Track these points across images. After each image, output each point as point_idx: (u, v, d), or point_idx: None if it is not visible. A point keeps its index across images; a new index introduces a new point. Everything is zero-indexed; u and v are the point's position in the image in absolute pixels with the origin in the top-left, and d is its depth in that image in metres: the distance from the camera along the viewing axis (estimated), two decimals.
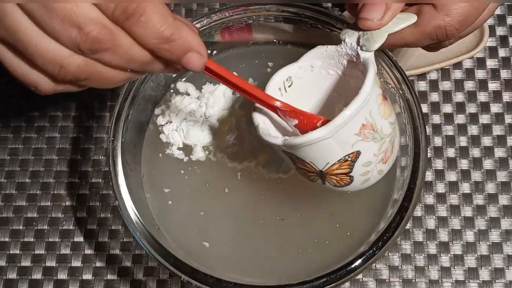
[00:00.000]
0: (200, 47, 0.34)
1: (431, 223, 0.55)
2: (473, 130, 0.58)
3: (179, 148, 0.52)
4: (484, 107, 0.59)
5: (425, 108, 0.59)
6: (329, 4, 0.62)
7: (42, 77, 0.32)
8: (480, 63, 0.60)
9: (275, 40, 0.55)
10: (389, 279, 0.53)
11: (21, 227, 0.56)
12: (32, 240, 0.56)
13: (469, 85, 0.60)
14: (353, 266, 0.42)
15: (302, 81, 0.45)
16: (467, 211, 0.55)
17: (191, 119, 0.52)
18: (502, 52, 0.61)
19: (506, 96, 0.59)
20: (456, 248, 0.54)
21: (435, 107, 0.59)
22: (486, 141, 0.58)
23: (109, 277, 0.54)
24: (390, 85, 0.48)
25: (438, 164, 0.57)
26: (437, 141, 0.58)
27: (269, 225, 0.49)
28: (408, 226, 0.55)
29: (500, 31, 0.62)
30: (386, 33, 0.40)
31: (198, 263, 0.45)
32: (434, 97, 0.59)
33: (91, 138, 0.59)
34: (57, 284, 0.54)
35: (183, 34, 0.33)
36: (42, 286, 0.54)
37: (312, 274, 0.43)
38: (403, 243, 0.54)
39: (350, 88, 0.44)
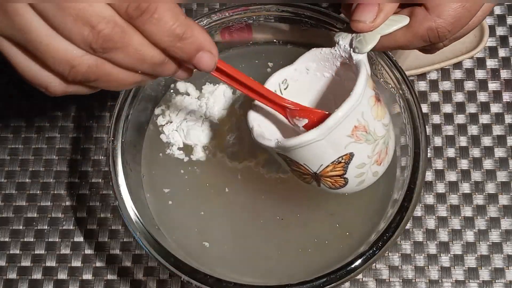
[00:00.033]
0: (212, 46, 0.34)
1: (431, 223, 0.55)
2: (473, 130, 0.58)
3: (179, 148, 0.52)
4: (484, 107, 0.59)
5: (425, 108, 0.59)
6: (324, 5, 0.62)
7: (53, 78, 0.32)
8: (480, 63, 0.60)
9: (275, 40, 0.55)
10: (389, 279, 0.53)
11: (21, 227, 0.56)
12: (32, 240, 0.56)
13: (469, 85, 0.60)
14: (353, 266, 0.42)
15: (297, 83, 0.46)
16: (467, 211, 0.55)
17: (191, 119, 0.52)
18: (502, 52, 0.61)
19: (506, 96, 0.59)
20: (456, 248, 0.54)
21: (435, 107, 0.59)
22: (486, 141, 0.58)
23: (109, 277, 0.54)
24: (390, 85, 0.48)
25: (438, 164, 0.57)
26: (437, 141, 0.58)
27: (269, 225, 0.49)
28: (408, 226, 0.55)
29: (500, 31, 0.62)
30: (378, 35, 0.40)
31: (198, 263, 0.45)
32: (434, 97, 0.59)
33: (91, 138, 0.59)
34: (57, 284, 0.54)
35: (194, 32, 0.33)
36: (42, 286, 0.54)
37: (312, 274, 0.43)
38: (403, 243, 0.54)
39: (345, 90, 0.44)
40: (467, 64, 0.60)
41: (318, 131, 0.38)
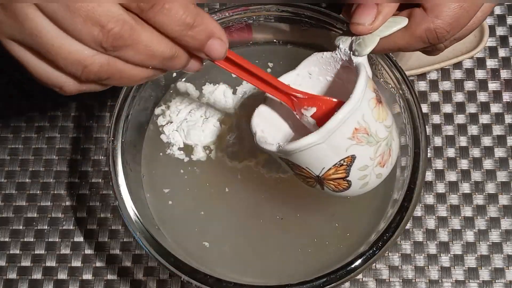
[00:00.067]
0: (221, 33, 0.35)
1: (431, 223, 0.55)
2: (473, 130, 0.58)
3: (179, 148, 0.52)
4: (484, 107, 0.59)
5: (425, 108, 0.59)
6: (324, 5, 0.62)
7: (66, 78, 0.33)
8: (480, 63, 0.60)
9: (275, 40, 0.55)
10: (389, 279, 0.53)
11: (21, 227, 0.56)
12: (32, 240, 0.56)
13: (469, 85, 0.60)
14: (353, 266, 0.42)
15: (301, 88, 0.46)
16: (467, 211, 0.55)
17: (191, 119, 0.52)
18: (502, 52, 0.61)
19: (506, 96, 0.59)
20: (456, 248, 0.54)
21: (435, 107, 0.59)
22: (486, 141, 0.58)
23: (109, 277, 0.54)
24: (390, 85, 0.48)
25: (438, 164, 0.57)
26: (437, 141, 0.58)
27: (269, 225, 0.49)
28: (408, 226, 0.55)
29: (500, 31, 0.62)
30: (377, 37, 0.40)
31: (198, 263, 0.45)
32: (434, 97, 0.59)
33: (91, 138, 0.59)
34: (57, 284, 0.54)
35: (204, 20, 0.33)
36: (42, 286, 0.54)
37: (312, 274, 0.43)
38: (403, 243, 0.54)
39: (348, 93, 0.44)
40: (467, 64, 0.60)
41: (318, 134, 0.38)
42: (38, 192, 0.58)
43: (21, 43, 0.31)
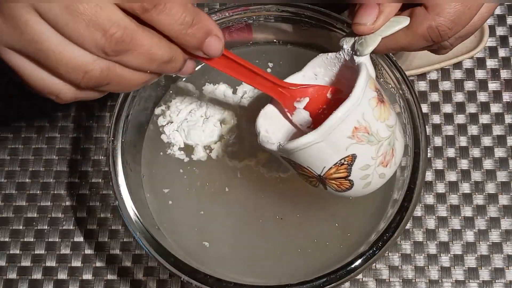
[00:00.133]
0: (218, 31, 0.35)
1: (431, 223, 0.55)
2: (473, 130, 0.58)
3: (180, 148, 0.52)
4: (484, 107, 0.59)
5: (425, 108, 0.59)
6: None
7: (63, 85, 0.33)
8: (480, 63, 0.60)
9: (275, 40, 0.55)
10: (389, 279, 0.53)
11: (21, 227, 0.56)
12: (32, 240, 0.56)
13: (469, 85, 0.60)
14: (353, 266, 0.42)
15: None
16: (467, 211, 0.55)
17: (191, 119, 0.52)
18: (502, 52, 0.61)
19: (506, 96, 0.59)
20: (456, 248, 0.54)
21: (435, 107, 0.59)
22: (486, 141, 0.58)
23: (109, 277, 0.54)
24: (390, 85, 0.48)
25: (438, 164, 0.57)
26: (437, 141, 0.58)
27: (269, 225, 0.49)
28: (408, 226, 0.55)
29: (500, 31, 0.62)
30: (379, 37, 0.41)
31: (198, 263, 0.45)
32: (434, 97, 0.59)
33: (91, 138, 0.59)
34: (57, 284, 0.54)
35: (202, 18, 0.34)
36: (42, 286, 0.54)
37: (312, 274, 0.43)
38: (403, 243, 0.54)
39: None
40: (467, 64, 0.60)
41: (316, 133, 0.38)
42: (38, 192, 0.58)
43: (20, 51, 0.31)
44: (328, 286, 0.42)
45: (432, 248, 0.54)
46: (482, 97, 0.59)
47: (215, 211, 0.50)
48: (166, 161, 0.52)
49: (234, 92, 0.53)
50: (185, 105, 0.53)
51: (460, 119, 0.58)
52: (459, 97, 0.59)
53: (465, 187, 0.56)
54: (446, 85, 0.60)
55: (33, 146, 0.59)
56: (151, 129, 0.53)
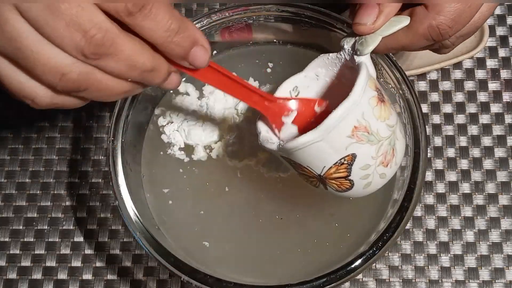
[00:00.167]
0: (204, 41, 0.34)
1: (431, 223, 0.55)
2: (473, 130, 0.58)
3: (180, 148, 0.52)
4: (484, 107, 0.59)
5: (425, 108, 0.59)
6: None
7: (40, 88, 0.32)
8: (480, 63, 0.60)
9: (275, 40, 0.55)
10: (389, 279, 0.53)
11: (21, 227, 0.56)
12: (32, 240, 0.56)
13: (469, 85, 0.60)
14: (353, 266, 0.42)
15: (308, 90, 0.46)
16: (467, 211, 0.55)
17: (192, 119, 0.52)
18: (502, 52, 0.61)
19: (506, 96, 0.59)
20: (456, 248, 0.54)
21: (435, 107, 0.59)
22: (486, 141, 0.58)
23: (109, 277, 0.54)
24: (390, 85, 0.48)
25: (438, 164, 0.57)
26: (437, 141, 0.58)
27: (268, 225, 0.49)
28: (408, 226, 0.55)
29: (500, 31, 0.62)
30: (379, 36, 0.41)
31: (198, 263, 0.45)
32: (434, 97, 0.59)
33: (91, 138, 0.59)
34: (57, 284, 0.54)
35: (189, 27, 0.33)
36: (42, 286, 0.54)
37: (312, 274, 0.43)
38: (403, 243, 0.54)
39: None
40: (467, 64, 0.60)
41: (316, 132, 0.38)
42: (38, 192, 0.58)
43: None
44: (328, 286, 0.42)
45: (432, 248, 0.54)
46: (482, 97, 0.59)
47: (215, 211, 0.50)
48: (166, 161, 0.52)
49: None
50: (186, 105, 0.53)
51: (460, 119, 0.58)
52: (459, 97, 0.59)
53: (465, 187, 0.56)
54: (446, 85, 0.60)
55: (33, 146, 0.59)
56: (151, 129, 0.53)
